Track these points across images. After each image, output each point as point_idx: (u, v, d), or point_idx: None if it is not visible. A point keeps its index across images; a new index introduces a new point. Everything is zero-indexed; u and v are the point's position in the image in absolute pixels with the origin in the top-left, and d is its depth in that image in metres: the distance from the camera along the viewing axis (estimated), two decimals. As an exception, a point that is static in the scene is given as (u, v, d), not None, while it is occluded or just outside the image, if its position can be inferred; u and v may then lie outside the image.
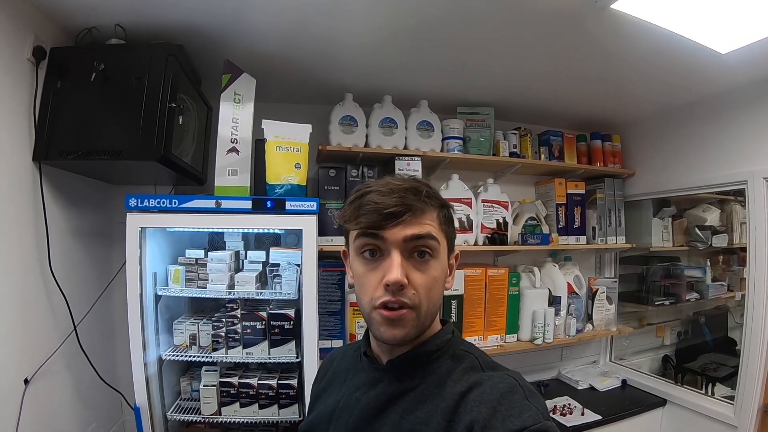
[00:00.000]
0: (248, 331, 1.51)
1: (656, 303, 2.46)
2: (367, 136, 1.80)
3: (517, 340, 2.04)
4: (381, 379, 0.68)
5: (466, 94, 1.93)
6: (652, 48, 1.45)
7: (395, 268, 0.61)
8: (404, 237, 0.62)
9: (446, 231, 0.67)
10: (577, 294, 2.18)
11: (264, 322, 1.51)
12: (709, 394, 2.00)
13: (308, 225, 1.43)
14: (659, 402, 2.09)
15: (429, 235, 0.63)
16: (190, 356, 1.51)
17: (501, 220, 1.95)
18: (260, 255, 1.58)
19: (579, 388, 2.23)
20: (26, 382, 1.28)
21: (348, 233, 0.69)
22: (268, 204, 1.42)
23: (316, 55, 1.58)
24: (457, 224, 1.82)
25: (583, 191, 2.18)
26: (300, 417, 1.49)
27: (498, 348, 1.97)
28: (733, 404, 1.80)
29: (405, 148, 1.84)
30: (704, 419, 1.89)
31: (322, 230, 1.69)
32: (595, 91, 1.88)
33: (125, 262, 1.41)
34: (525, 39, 1.45)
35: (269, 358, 1.51)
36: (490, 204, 1.94)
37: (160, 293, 1.53)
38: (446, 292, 1.80)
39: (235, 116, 1.50)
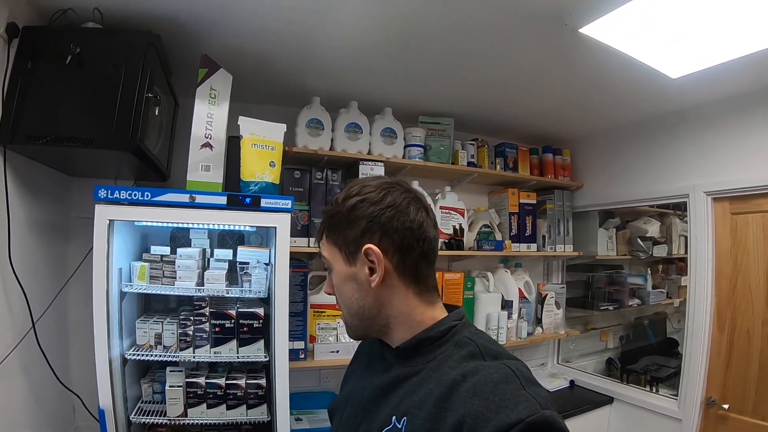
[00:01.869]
0: (217, 329, 1.50)
1: (601, 308, 2.68)
2: (332, 140, 1.88)
3: (471, 342, 2.15)
4: (392, 363, 0.71)
5: (428, 104, 2.06)
6: (612, 68, 1.59)
7: (325, 283, 0.77)
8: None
9: (335, 239, 0.70)
10: (527, 299, 2.34)
11: (233, 321, 1.51)
12: (654, 392, 2.17)
13: (282, 223, 1.46)
14: (607, 400, 2.26)
15: (320, 254, 0.74)
16: (156, 356, 1.47)
17: (458, 227, 2.07)
18: (227, 253, 1.59)
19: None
20: None
21: None
22: (246, 201, 1.43)
23: (293, 55, 1.63)
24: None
25: (534, 201, 2.35)
26: (268, 417, 1.51)
27: None
28: (677, 399, 1.97)
29: (369, 153, 1.93)
30: (650, 414, 2.06)
31: (307, 232, 1.76)
32: (552, 106, 2.05)
33: (86, 256, 1.36)
34: (495, 51, 1.56)
35: (238, 357, 1.51)
36: (447, 211, 2.06)
37: (125, 290, 1.49)
38: None
39: (210, 111, 1.52)
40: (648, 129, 2.19)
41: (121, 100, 1.28)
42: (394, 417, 0.63)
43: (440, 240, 2.04)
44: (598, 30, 1.33)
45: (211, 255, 1.61)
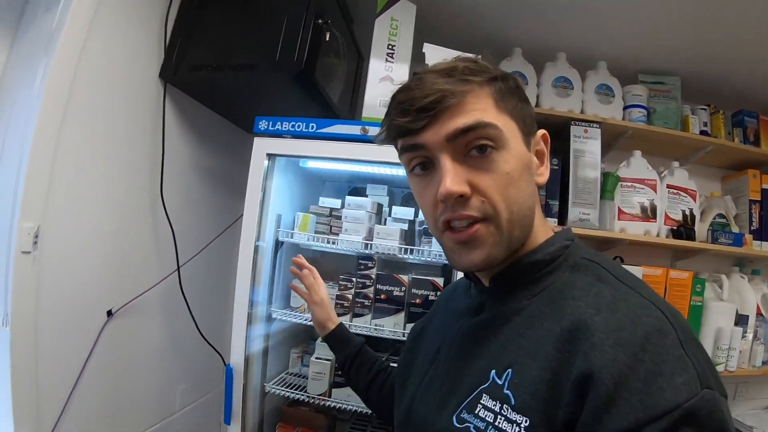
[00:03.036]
0: (382, 296, 1.28)
1: None
2: (537, 96, 1.58)
3: (694, 364, 1.67)
4: (485, 302, 0.58)
5: (648, 59, 1.67)
6: None
7: (446, 176, 0.49)
8: (446, 135, 0.49)
9: (510, 109, 0.52)
10: (764, 317, 1.79)
11: (404, 289, 1.28)
12: None
13: None
14: None
15: (479, 124, 0.49)
16: (305, 318, 1.29)
17: (688, 212, 1.62)
18: (407, 212, 1.35)
19: (753, 435, 1.81)
20: (109, 314, 1.16)
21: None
22: None
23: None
24: (637, 209, 1.56)
25: (781, 187, 1.81)
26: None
27: None
28: None
29: (582, 112, 1.58)
30: None
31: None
32: None
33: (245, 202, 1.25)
34: None
35: (403, 335, 1.24)
36: (675, 191, 1.62)
37: (282, 239, 1.34)
38: None
39: (390, 42, 1.34)
40: None
41: (287, 25, 1.20)
42: (493, 372, 0.49)
43: (665, 227, 1.61)
44: None
45: (390, 214, 1.37)
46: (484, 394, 0.48)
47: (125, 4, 1.13)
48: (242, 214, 1.48)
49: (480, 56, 0.56)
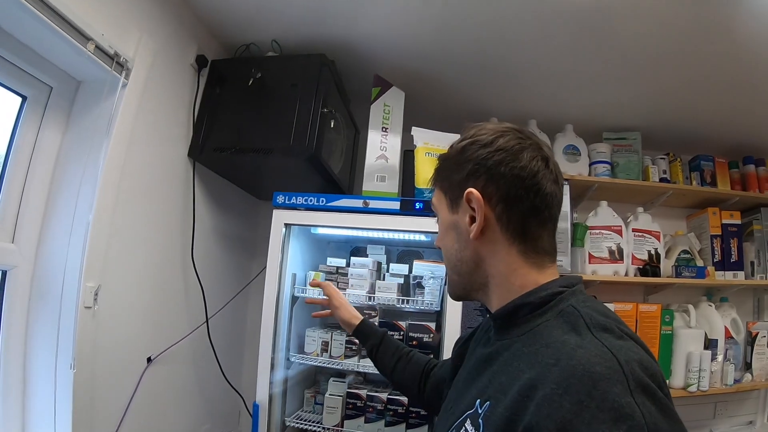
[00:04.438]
0: None
1: (824, 353, 2.20)
2: (513, 160, 1.80)
3: (669, 387, 1.88)
4: (491, 337, 0.64)
5: (611, 118, 1.93)
6: None
7: None
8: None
9: (440, 183, 0.68)
10: (734, 339, 2.00)
11: (402, 333, 1.51)
12: None
13: None
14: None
15: (431, 204, 0.71)
16: (319, 361, 1.52)
17: (653, 252, 1.85)
18: (403, 268, 1.60)
19: (735, 450, 2.00)
20: (149, 360, 1.35)
21: None
22: (417, 205, 1.43)
23: (464, 77, 1.65)
24: (606, 254, 1.80)
25: (739, 221, 2.03)
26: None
27: None
28: None
29: (552, 172, 1.81)
30: None
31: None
32: (745, 107, 1.78)
33: (266, 266, 1.47)
34: (672, 53, 1.43)
35: None
36: (641, 233, 1.85)
37: (297, 294, 1.58)
38: None
39: (384, 125, 1.59)
40: None
41: (298, 114, 1.42)
42: (478, 400, 0.54)
43: (633, 266, 1.83)
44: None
45: (387, 270, 1.63)
46: (468, 419, 0.54)
47: (162, 95, 1.35)
48: (260, 272, 1.72)
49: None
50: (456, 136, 1.63)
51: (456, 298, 0.70)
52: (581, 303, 0.56)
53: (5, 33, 0.99)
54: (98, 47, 1.09)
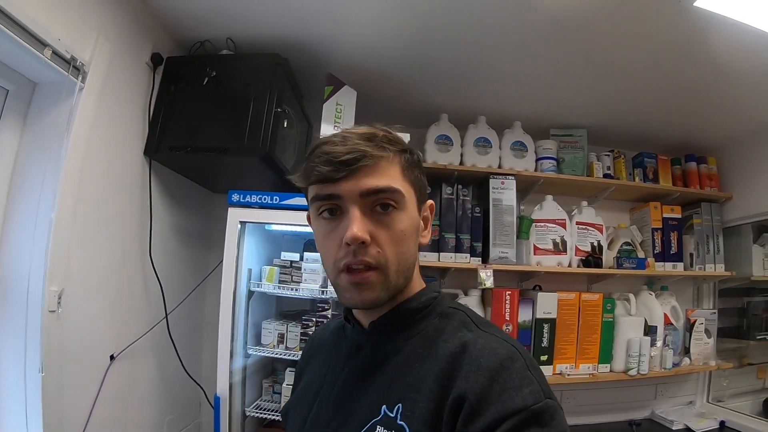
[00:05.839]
0: None
1: (758, 337, 2.36)
2: (462, 155, 1.92)
3: (610, 370, 2.01)
4: (364, 344, 0.65)
5: (558, 116, 2.03)
6: (750, 53, 1.43)
7: (354, 223, 0.56)
8: (360, 191, 0.58)
9: (411, 178, 0.63)
10: (674, 326, 2.14)
11: None
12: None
13: None
14: (765, 447, 1.98)
15: (389, 188, 0.59)
16: (275, 353, 1.60)
17: (596, 244, 1.97)
18: None
19: (674, 428, 2.14)
20: (112, 358, 1.40)
21: (307, 196, 0.65)
22: None
23: (415, 75, 1.72)
24: (551, 245, 1.91)
25: (679, 215, 2.17)
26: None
27: (589, 377, 1.96)
28: None
29: (499, 167, 1.92)
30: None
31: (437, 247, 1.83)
32: (689, 109, 1.90)
33: (222, 260, 1.53)
34: (619, 59, 1.52)
35: None
36: (584, 227, 1.97)
37: (253, 289, 1.66)
38: (538, 315, 1.88)
39: (336, 124, 1.64)
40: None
41: (252, 113, 1.46)
42: (384, 406, 0.56)
43: (576, 258, 1.95)
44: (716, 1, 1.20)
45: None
46: (378, 426, 0.56)
47: (119, 95, 1.37)
48: (216, 266, 1.78)
49: (398, 126, 0.67)
50: (404, 135, 1.71)
51: (377, 305, 0.61)
52: (457, 304, 0.67)
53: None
54: (55, 53, 1.11)
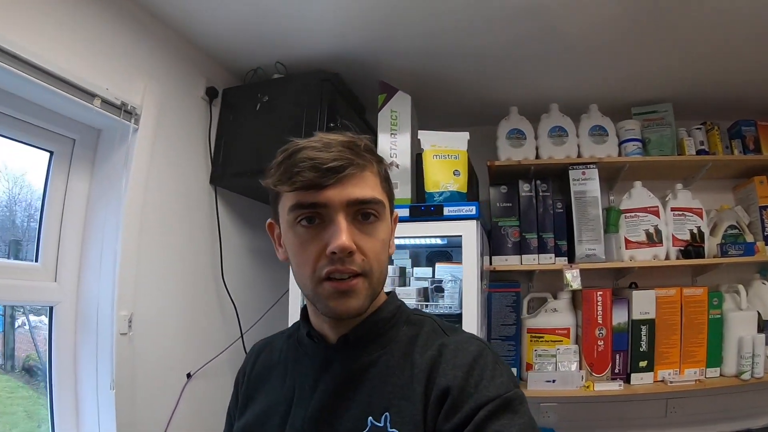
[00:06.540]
0: None
1: None
2: (537, 148, 1.80)
3: (720, 374, 1.79)
4: (333, 359, 0.64)
5: (638, 92, 1.84)
6: None
7: (342, 232, 0.56)
8: (348, 200, 0.58)
9: (387, 190, 0.66)
10: (793, 317, 1.89)
11: None
12: None
13: (468, 231, 1.39)
14: None
15: (375, 200, 0.60)
16: None
17: (696, 230, 1.77)
18: (426, 271, 1.64)
19: (798, 436, 1.90)
20: (189, 376, 1.47)
21: (278, 201, 0.64)
22: (424, 209, 1.43)
23: (477, 69, 1.64)
24: (643, 236, 1.73)
25: (791, 188, 1.90)
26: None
27: (696, 383, 1.73)
28: None
29: (579, 156, 1.79)
30: None
31: (497, 249, 1.72)
32: None
33: None
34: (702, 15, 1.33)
35: None
36: (680, 212, 1.78)
37: None
38: (634, 316, 1.72)
39: (393, 131, 1.59)
40: None
41: (305, 131, 1.47)
42: (369, 417, 0.58)
43: (674, 248, 1.76)
44: None
45: (412, 274, 1.67)
46: None
47: (176, 131, 1.47)
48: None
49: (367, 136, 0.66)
50: (463, 134, 1.59)
51: (360, 313, 0.61)
52: (421, 312, 0.71)
53: (22, 99, 1.10)
54: (104, 101, 1.20)
